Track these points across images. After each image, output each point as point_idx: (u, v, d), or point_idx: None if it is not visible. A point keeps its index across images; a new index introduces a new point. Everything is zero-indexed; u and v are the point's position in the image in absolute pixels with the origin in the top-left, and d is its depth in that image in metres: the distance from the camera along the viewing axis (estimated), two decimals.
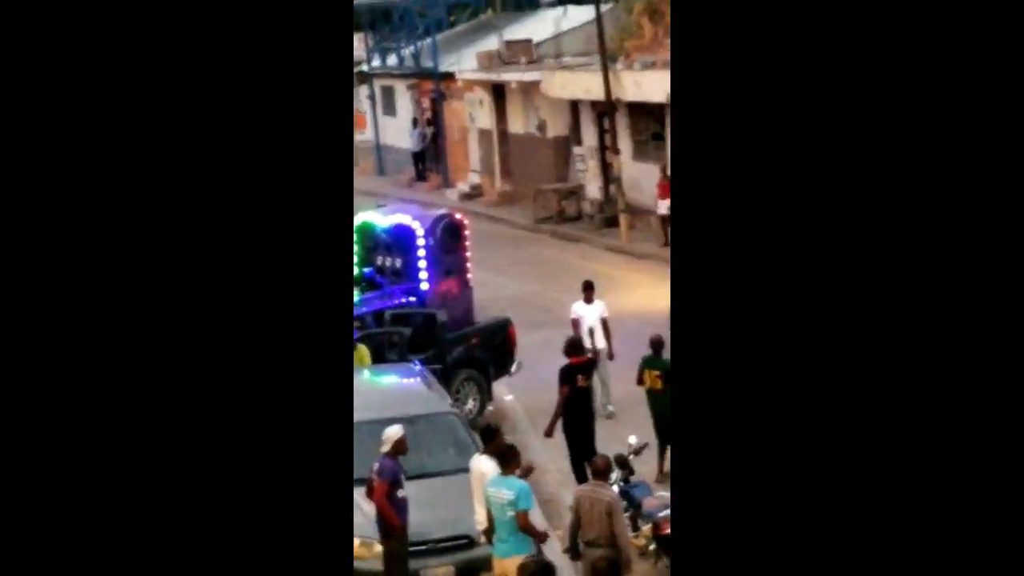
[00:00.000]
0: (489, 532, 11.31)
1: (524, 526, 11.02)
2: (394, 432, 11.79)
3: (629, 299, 23.52)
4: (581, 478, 13.83)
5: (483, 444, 12.16)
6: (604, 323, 16.99)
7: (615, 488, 12.00)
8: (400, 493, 11.62)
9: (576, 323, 16.90)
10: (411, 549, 11.82)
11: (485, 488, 11.27)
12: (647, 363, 14.85)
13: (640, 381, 14.86)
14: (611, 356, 16.88)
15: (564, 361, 14.62)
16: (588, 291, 17.20)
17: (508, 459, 11.29)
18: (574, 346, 14.98)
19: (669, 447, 14.36)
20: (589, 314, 16.90)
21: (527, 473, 12.43)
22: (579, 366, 14.68)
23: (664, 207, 27.46)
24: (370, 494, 11.70)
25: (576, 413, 14.52)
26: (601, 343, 16.80)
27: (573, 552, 11.44)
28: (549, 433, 14.81)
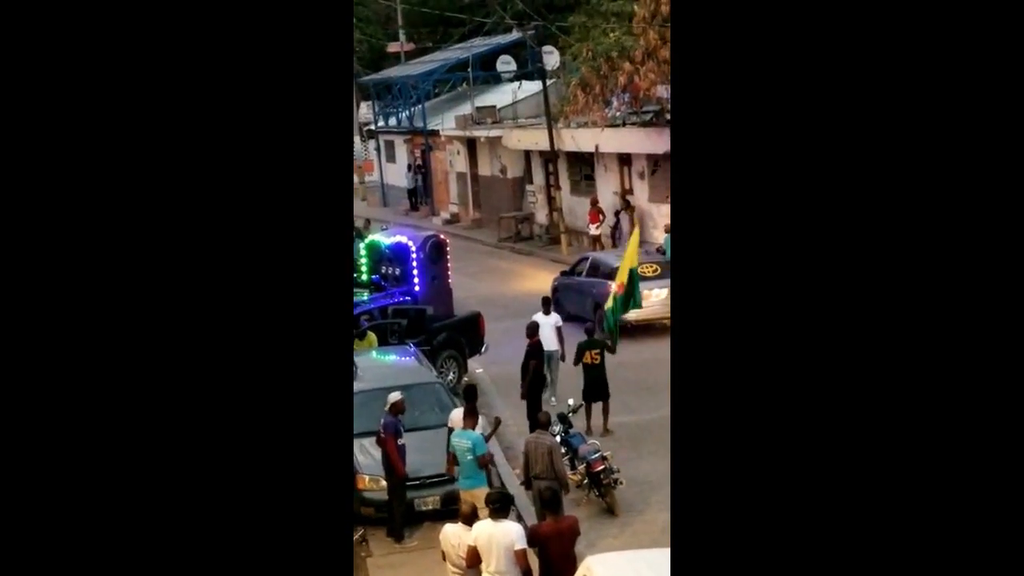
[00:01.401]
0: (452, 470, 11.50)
1: (482, 465, 11.19)
2: (395, 396, 12.00)
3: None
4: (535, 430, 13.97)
5: (465, 399, 12.25)
6: (558, 331, 16.12)
7: (557, 438, 12.07)
8: (400, 442, 11.77)
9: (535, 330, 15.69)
10: (408, 484, 11.92)
11: (450, 439, 11.44)
12: (587, 345, 14.99)
13: (578, 362, 14.96)
14: (563, 358, 16.00)
15: (521, 343, 14.88)
16: (546, 305, 16.40)
17: (468, 416, 11.51)
18: (532, 330, 15.21)
19: (597, 405, 14.93)
20: (545, 324, 15.98)
21: (497, 425, 12.57)
22: (538, 344, 15.06)
23: (593, 229, 27.80)
24: (378, 443, 11.87)
25: (531, 383, 14.82)
26: (555, 346, 16.00)
27: (526, 484, 11.52)
28: (525, 396, 14.99)
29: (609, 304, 15.29)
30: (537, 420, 11.77)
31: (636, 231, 16.80)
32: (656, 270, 19.53)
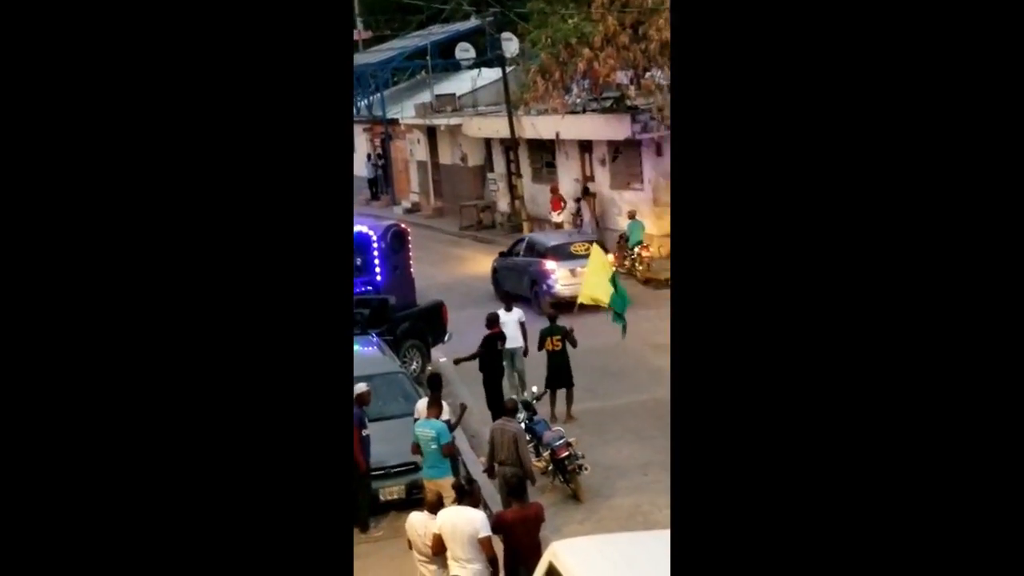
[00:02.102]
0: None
1: (446, 454, 11.20)
2: (360, 387, 11.90)
3: None
4: (497, 416, 13.94)
5: (430, 388, 12.32)
6: (521, 326, 15.60)
7: (521, 424, 12.08)
8: (364, 432, 11.72)
9: (500, 326, 15.14)
10: (372, 473, 11.89)
11: (414, 428, 11.42)
12: (549, 331, 14.99)
13: (541, 347, 14.97)
14: (525, 353, 15.61)
15: (483, 331, 14.83)
16: (507, 301, 15.76)
17: (432, 405, 11.53)
18: (492, 321, 15.02)
19: (561, 392, 14.94)
20: (509, 320, 15.44)
21: (463, 411, 12.55)
22: (496, 335, 14.83)
23: (555, 216, 27.81)
24: None
25: (491, 370, 14.76)
26: (519, 342, 15.52)
27: (490, 471, 11.52)
28: (457, 362, 15.53)
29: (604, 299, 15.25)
30: (502, 407, 11.76)
31: (596, 249, 16.47)
32: (587, 249, 19.87)
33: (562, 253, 21.43)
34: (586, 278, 15.68)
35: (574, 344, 14.95)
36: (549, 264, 21.24)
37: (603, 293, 15.14)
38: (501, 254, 23.76)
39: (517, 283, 22.08)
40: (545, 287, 20.97)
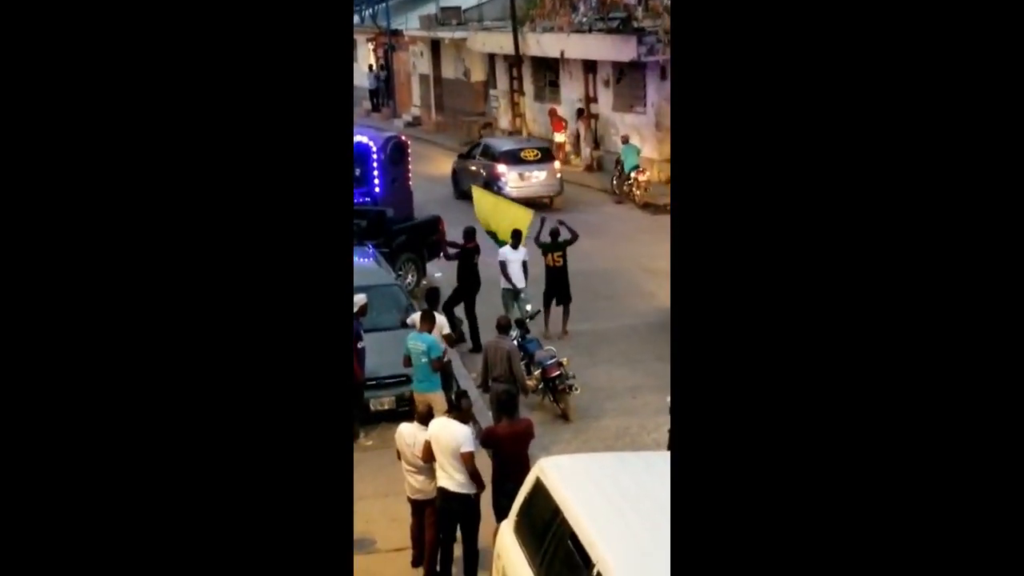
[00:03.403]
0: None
1: (436, 368, 11.28)
2: (360, 299, 11.96)
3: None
4: (472, 330, 14.77)
5: (427, 302, 12.47)
6: (525, 266, 14.93)
7: (515, 342, 12.15)
8: (360, 344, 11.78)
9: (503, 264, 14.82)
10: (364, 384, 12.00)
11: (406, 341, 11.47)
12: (551, 247, 15.06)
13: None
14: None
15: (482, 247, 14.99)
16: (515, 238, 15.03)
17: (424, 319, 11.56)
18: (468, 235, 15.22)
19: (556, 309, 15.13)
20: (514, 259, 14.85)
21: (457, 327, 12.54)
22: (472, 249, 15.05)
23: (557, 137, 27.69)
24: None
25: (468, 283, 14.97)
26: (524, 283, 14.88)
27: (484, 387, 11.62)
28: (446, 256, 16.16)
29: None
30: (496, 323, 11.80)
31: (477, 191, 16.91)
32: (537, 155, 23.39)
33: (513, 158, 23.39)
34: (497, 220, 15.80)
35: (574, 235, 15.16)
36: (500, 167, 23.17)
37: (517, 222, 15.36)
38: (460, 156, 25.54)
39: (472, 183, 23.18)
40: (496, 188, 22.20)
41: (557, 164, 23.83)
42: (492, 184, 22.61)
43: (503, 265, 14.83)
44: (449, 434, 8.62)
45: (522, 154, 23.50)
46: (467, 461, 8.55)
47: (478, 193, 16.82)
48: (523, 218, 15.40)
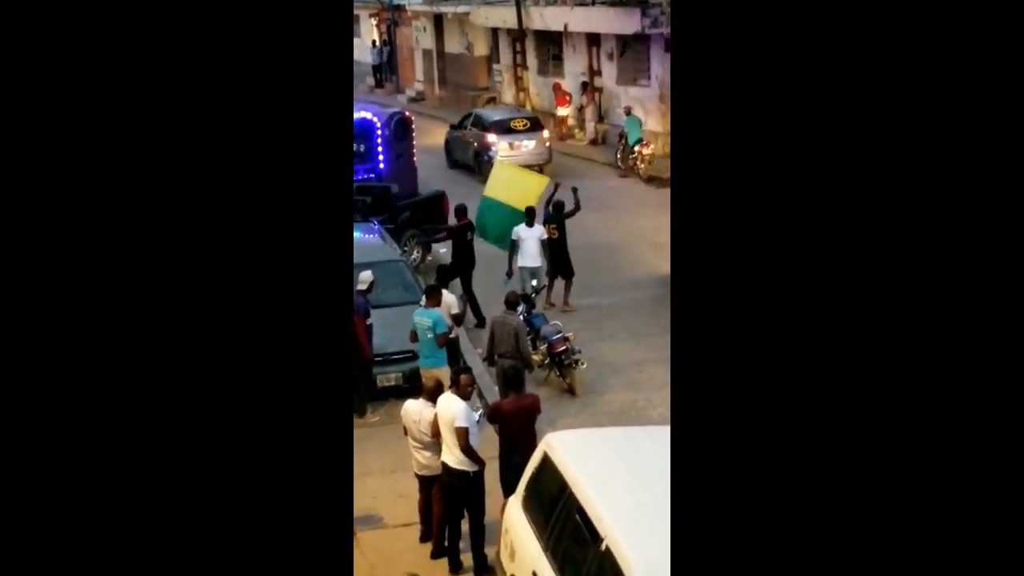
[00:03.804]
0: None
1: (441, 343, 11.28)
2: (367, 276, 11.99)
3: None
4: (473, 307, 14.69)
5: (437, 278, 12.55)
6: (542, 244, 14.65)
7: (520, 317, 12.13)
8: (368, 321, 11.80)
9: (515, 244, 14.57)
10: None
11: (412, 317, 11.46)
12: (549, 219, 15.01)
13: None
14: (548, 274, 15.03)
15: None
16: (530, 216, 14.69)
17: (430, 295, 11.53)
18: (460, 211, 15.18)
19: (559, 280, 15.12)
20: (529, 237, 14.59)
21: (465, 303, 12.52)
22: (464, 226, 15.03)
23: (561, 111, 27.62)
24: None
25: (463, 261, 14.92)
26: (538, 262, 14.66)
27: (489, 361, 11.59)
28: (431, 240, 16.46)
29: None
30: (505, 299, 11.76)
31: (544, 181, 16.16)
32: (526, 124, 24.10)
33: (503, 128, 23.90)
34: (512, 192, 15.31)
35: (576, 207, 15.16)
36: (491, 137, 23.67)
37: (531, 192, 15.09)
38: (452, 127, 26.08)
39: (464, 153, 24.78)
40: (486, 157, 22.93)
41: (546, 133, 24.34)
42: (483, 153, 23.36)
43: (515, 245, 14.59)
44: (447, 409, 8.65)
45: (512, 124, 24.08)
46: (459, 437, 8.55)
47: (499, 167, 16.54)
48: (538, 186, 15.23)
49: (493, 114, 25.47)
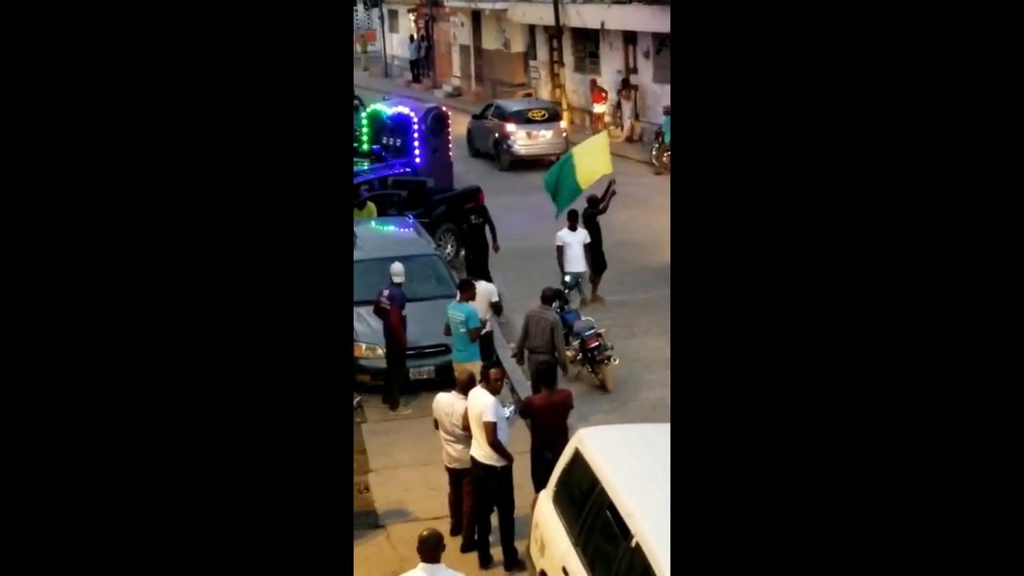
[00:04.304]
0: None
1: (473, 338, 11.25)
2: (399, 268, 12.00)
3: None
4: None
5: (468, 271, 12.45)
6: (586, 249, 14.28)
7: (556, 313, 12.09)
8: (403, 312, 11.81)
9: (560, 249, 14.15)
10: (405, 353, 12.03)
11: (446, 310, 11.45)
12: (584, 213, 14.89)
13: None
14: (592, 279, 14.69)
15: (525, 218, 14.95)
16: (572, 220, 14.31)
17: (463, 289, 11.54)
18: (470, 196, 15.74)
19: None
20: (573, 241, 14.18)
21: (498, 302, 12.43)
22: (475, 208, 15.48)
23: (597, 108, 27.56)
24: (377, 312, 11.93)
25: (475, 244, 15.25)
26: (582, 267, 14.23)
27: (519, 357, 11.58)
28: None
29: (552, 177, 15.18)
30: (541, 294, 11.72)
31: (603, 137, 16.00)
32: (544, 115, 25.19)
33: (521, 118, 24.91)
34: (580, 161, 14.94)
35: (606, 205, 15.17)
36: (510, 126, 24.71)
37: (599, 165, 14.78)
38: (474, 116, 27.08)
39: (484, 142, 25.80)
40: (505, 146, 24.48)
41: (563, 124, 25.49)
42: (501, 142, 24.67)
43: (561, 250, 14.14)
44: (477, 403, 8.64)
45: (530, 114, 25.03)
46: (487, 431, 8.53)
47: (601, 138, 15.99)
48: (603, 167, 14.78)
49: (512, 105, 26.22)
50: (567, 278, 14.08)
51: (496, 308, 12.25)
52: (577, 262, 14.19)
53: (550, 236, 14.73)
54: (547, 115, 25.19)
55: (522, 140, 24.55)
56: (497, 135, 25.00)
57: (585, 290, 14.16)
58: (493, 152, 25.18)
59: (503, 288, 14.46)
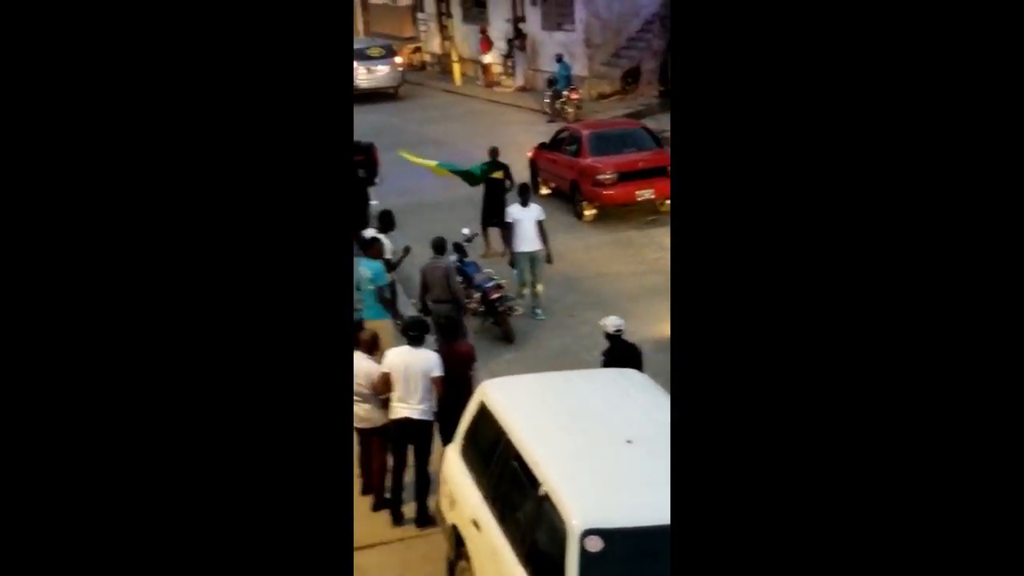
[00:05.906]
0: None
1: (380, 297, 11.02)
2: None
3: (455, 126, 23.46)
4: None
5: (381, 224, 12.12)
6: (539, 226, 12.95)
7: (454, 265, 12.00)
8: None
9: (510, 226, 13.08)
10: None
11: (355, 268, 11.24)
12: (490, 166, 14.88)
13: (480, 182, 15.00)
14: (549, 260, 13.04)
15: (412, 175, 14.83)
16: (524, 194, 13.23)
17: (370, 246, 11.29)
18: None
19: (494, 230, 14.85)
20: (526, 218, 13.01)
21: (406, 253, 12.18)
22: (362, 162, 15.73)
23: (485, 58, 27.41)
24: None
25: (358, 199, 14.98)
26: (537, 245, 12.92)
27: (423, 310, 11.39)
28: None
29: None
30: (431, 243, 11.53)
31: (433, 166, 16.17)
32: (381, 52, 28.54)
33: (360, 55, 27.80)
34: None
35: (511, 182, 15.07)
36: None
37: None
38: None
39: None
40: None
41: (398, 59, 28.88)
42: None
43: (512, 227, 13.06)
44: (422, 359, 8.53)
45: (368, 51, 28.50)
46: (438, 385, 8.49)
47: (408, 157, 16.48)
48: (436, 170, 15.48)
49: (355, 43, 27.25)
50: (466, 231, 13.91)
51: (389, 265, 12.05)
52: (529, 240, 12.94)
53: (440, 190, 14.68)
54: (384, 52, 28.55)
55: (363, 75, 27.73)
56: None
57: (540, 275, 13.21)
58: None
59: (403, 244, 14.37)
